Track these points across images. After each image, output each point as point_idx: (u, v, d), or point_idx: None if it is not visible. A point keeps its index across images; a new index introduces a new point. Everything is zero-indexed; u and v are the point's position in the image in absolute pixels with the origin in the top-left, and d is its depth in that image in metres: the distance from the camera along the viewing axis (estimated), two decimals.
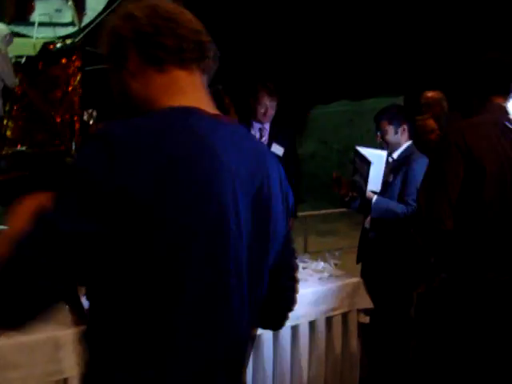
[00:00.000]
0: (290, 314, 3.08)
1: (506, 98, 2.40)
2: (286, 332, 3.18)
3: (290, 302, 1.44)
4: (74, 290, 1.90)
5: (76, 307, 2.47)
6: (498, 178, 2.27)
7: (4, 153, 7.09)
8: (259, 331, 2.95)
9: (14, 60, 6.72)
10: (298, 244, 7.07)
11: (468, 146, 2.26)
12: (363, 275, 3.76)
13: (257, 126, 4.09)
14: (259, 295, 1.22)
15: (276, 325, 1.52)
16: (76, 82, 7.37)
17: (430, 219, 2.27)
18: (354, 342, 3.45)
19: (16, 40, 6.61)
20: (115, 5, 7.50)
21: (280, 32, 9.62)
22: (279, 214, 1.24)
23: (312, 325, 3.33)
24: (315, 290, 3.33)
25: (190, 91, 1.18)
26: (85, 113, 7.56)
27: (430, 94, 4.86)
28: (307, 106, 10.29)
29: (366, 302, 3.47)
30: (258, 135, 4.08)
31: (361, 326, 3.52)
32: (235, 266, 1.10)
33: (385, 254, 3.70)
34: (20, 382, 2.45)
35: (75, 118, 7.48)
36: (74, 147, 7.49)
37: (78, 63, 7.33)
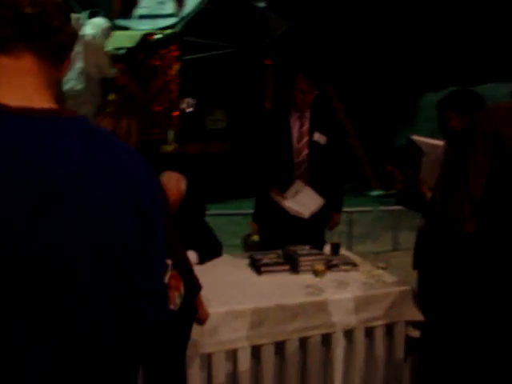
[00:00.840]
0: (321, 321, 2.88)
1: None
2: (315, 340, 2.96)
3: (152, 329, 1.25)
4: None
5: None
6: None
7: None
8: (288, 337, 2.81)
9: (113, 52, 7.00)
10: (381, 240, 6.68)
11: (497, 133, 1.90)
12: (420, 284, 3.39)
13: (296, 114, 3.83)
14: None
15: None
16: (175, 72, 7.53)
17: (444, 219, 1.97)
18: (399, 357, 3.13)
19: (116, 33, 6.89)
20: None
21: (386, 19, 9.12)
22: (118, 226, 1.06)
23: (349, 334, 3.06)
24: (355, 295, 3.05)
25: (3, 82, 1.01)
26: (183, 102, 7.71)
27: None
28: (417, 96, 9.66)
29: (415, 314, 3.12)
30: (297, 124, 3.84)
31: (410, 340, 3.18)
32: None
33: (446, 259, 3.30)
34: None
35: (173, 107, 7.66)
36: (172, 135, 7.68)
37: (176, 53, 7.49)
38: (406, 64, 9.35)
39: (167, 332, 2.28)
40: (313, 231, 3.89)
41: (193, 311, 2.54)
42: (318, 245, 3.70)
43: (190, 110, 7.77)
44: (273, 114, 4.11)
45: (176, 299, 2.32)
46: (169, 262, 2.29)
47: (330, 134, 3.85)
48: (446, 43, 9.12)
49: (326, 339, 3.01)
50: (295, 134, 3.84)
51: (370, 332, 3.10)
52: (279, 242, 3.67)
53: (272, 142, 3.84)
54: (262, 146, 3.92)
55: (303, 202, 3.77)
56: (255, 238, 5.54)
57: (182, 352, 2.55)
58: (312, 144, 3.83)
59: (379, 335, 3.09)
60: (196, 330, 2.67)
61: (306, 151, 3.83)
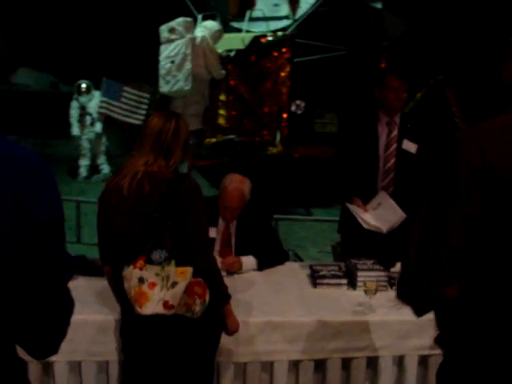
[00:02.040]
0: (366, 343, 2.72)
1: None
2: (360, 363, 2.79)
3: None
4: None
5: None
6: None
7: (216, 140, 7.66)
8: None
9: (224, 54, 7.17)
10: None
11: (488, 165, 1.41)
12: None
13: (385, 119, 3.59)
14: None
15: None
16: (285, 74, 7.55)
17: (419, 282, 1.49)
18: None
19: (227, 35, 7.05)
20: None
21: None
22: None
23: (400, 361, 2.85)
24: (408, 319, 2.82)
25: None
26: (292, 104, 7.69)
27: None
28: None
29: None
30: (386, 130, 3.59)
31: None
32: None
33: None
34: (65, 354, 2.64)
35: (283, 109, 7.68)
36: (279, 137, 7.70)
37: (287, 55, 7.50)
38: None
39: (192, 339, 2.29)
40: (395, 245, 3.66)
41: (220, 320, 2.51)
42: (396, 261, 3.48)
43: (300, 112, 7.73)
44: (362, 118, 3.93)
45: (196, 307, 2.31)
46: (189, 269, 2.30)
47: (424, 142, 3.59)
48: None
49: (373, 363, 2.83)
50: (383, 140, 3.61)
51: (424, 361, 2.86)
52: (359, 254, 3.50)
53: (358, 148, 3.66)
54: (348, 153, 3.75)
55: (383, 215, 3.55)
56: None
57: (209, 360, 2.54)
58: (400, 152, 3.59)
59: (434, 366, 2.84)
60: (231, 338, 2.65)
61: (393, 160, 3.60)
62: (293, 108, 7.68)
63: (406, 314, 2.80)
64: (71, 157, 10.12)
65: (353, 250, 3.63)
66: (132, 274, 2.26)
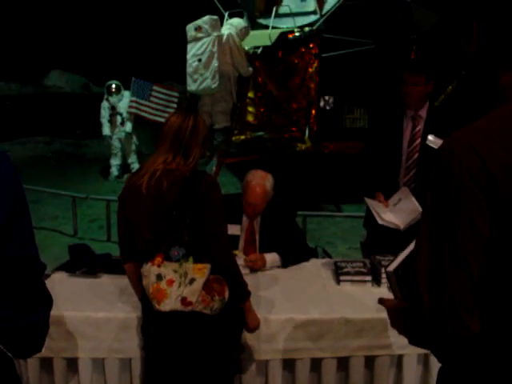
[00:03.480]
0: (390, 341, 2.67)
1: None
2: (384, 361, 2.74)
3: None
4: None
5: None
6: None
7: (244, 138, 7.65)
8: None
9: (251, 51, 7.15)
10: None
11: (491, 175, 1.25)
12: None
13: (410, 113, 3.51)
14: None
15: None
16: (313, 69, 7.49)
17: (440, 319, 1.28)
18: None
19: (254, 32, 7.03)
20: None
21: None
22: None
23: (425, 359, 2.79)
24: None
25: None
26: (321, 99, 7.63)
27: None
28: None
29: None
30: (410, 125, 3.51)
31: None
32: None
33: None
34: (89, 351, 2.68)
35: (312, 105, 7.62)
36: (308, 133, 7.65)
37: (315, 50, 7.44)
38: None
39: (212, 336, 2.28)
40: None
41: (241, 317, 2.50)
42: None
43: (329, 108, 7.66)
44: (388, 113, 3.85)
45: (215, 304, 2.31)
46: (207, 265, 2.29)
47: (449, 135, 3.45)
48: None
49: (397, 361, 2.78)
50: (407, 135, 3.54)
51: None
52: (383, 250, 3.44)
53: (384, 143, 3.60)
54: (374, 147, 3.69)
55: (402, 212, 3.48)
56: None
57: (231, 356, 2.53)
58: (424, 148, 3.49)
59: None
60: (253, 335, 2.64)
61: (416, 155, 3.52)
62: (322, 104, 7.62)
63: None
64: (103, 156, 10.28)
65: (377, 246, 3.58)
66: (150, 270, 2.26)
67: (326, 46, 7.49)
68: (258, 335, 2.65)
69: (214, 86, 6.47)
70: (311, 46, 7.41)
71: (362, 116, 8.00)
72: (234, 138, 7.37)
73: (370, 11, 7.50)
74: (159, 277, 2.25)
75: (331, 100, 7.64)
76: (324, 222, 7.10)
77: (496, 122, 1.33)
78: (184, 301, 2.23)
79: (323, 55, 7.49)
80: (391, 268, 1.62)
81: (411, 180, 3.50)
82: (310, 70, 7.49)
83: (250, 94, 7.55)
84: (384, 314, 2.74)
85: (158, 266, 2.26)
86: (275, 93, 7.45)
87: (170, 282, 2.24)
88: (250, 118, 7.66)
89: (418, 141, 3.48)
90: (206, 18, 6.52)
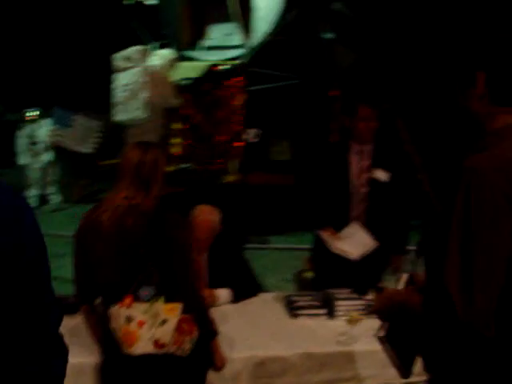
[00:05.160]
0: (351, 374, 2.69)
1: None
2: None
3: None
4: None
5: None
6: None
7: (170, 170, 7.55)
8: None
9: (179, 82, 7.13)
10: None
11: None
12: None
13: (356, 148, 3.59)
14: None
15: None
16: (239, 102, 7.57)
17: (470, 323, 1.41)
18: None
19: (182, 64, 7.03)
20: (281, 25, 7.58)
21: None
22: None
23: None
24: None
25: None
26: (247, 132, 7.71)
27: None
28: None
29: None
30: (357, 159, 3.59)
31: None
32: None
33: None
34: None
35: (238, 138, 7.68)
36: (234, 166, 7.68)
37: (242, 84, 7.53)
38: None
39: (180, 377, 2.19)
40: (369, 273, 3.66)
41: (208, 357, 2.43)
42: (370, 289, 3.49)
43: (255, 140, 7.75)
44: (332, 147, 3.90)
45: (186, 344, 2.23)
46: (179, 305, 2.22)
47: (396, 170, 3.57)
48: None
49: None
50: (354, 170, 3.57)
51: None
52: (333, 283, 3.46)
53: (329, 178, 3.61)
54: (319, 182, 3.71)
55: (354, 243, 3.55)
56: (308, 274, 5.38)
57: None
58: (372, 182, 3.57)
59: None
60: (217, 375, 2.56)
61: (365, 189, 3.59)
62: (247, 136, 7.69)
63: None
64: (18, 186, 9.76)
65: (327, 279, 3.62)
66: (119, 312, 2.15)
67: (252, 80, 7.61)
68: (223, 374, 2.58)
69: (142, 116, 6.38)
70: (238, 79, 7.50)
71: (286, 149, 8.18)
72: None
73: (295, 47, 7.74)
74: (129, 319, 2.14)
75: (257, 133, 7.74)
76: (253, 254, 7.10)
77: (507, 152, 1.49)
78: (157, 343, 2.14)
79: (249, 89, 7.60)
80: (382, 334, 1.70)
81: (362, 213, 3.58)
82: (237, 102, 7.57)
83: (177, 126, 7.50)
84: (344, 347, 2.79)
85: (128, 307, 2.16)
86: (202, 125, 7.45)
87: (141, 324, 2.14)
88: (176, 150, 7.60)
89: (366, 175, 3.56)
90: (135, 48, 6.46)
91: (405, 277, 1.77)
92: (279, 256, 7.05)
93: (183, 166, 7.49)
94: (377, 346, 2.79)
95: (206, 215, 3.41)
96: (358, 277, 3.51)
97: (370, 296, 3.41)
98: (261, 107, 7.71)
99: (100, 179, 8.44)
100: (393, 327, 1.70)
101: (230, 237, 3.62)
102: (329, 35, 7.96)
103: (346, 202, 3.56)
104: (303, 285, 5.23)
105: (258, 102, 7.68)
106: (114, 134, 7.47)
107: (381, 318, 1.73)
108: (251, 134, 7.70)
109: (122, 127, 7.00)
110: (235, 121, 7.62)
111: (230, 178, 7.56)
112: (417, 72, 8.53)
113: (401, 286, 1.75)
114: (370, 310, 1.78)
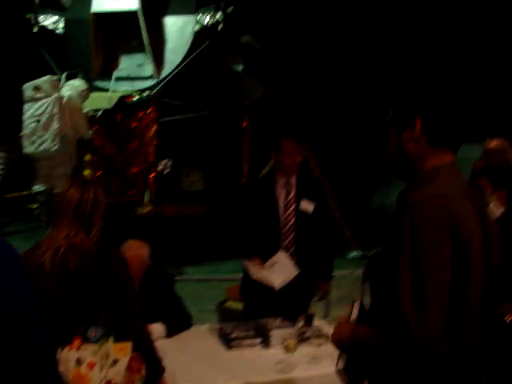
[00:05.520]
0: None
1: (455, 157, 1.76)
2: None
3: None
4: None
5: None
6: (478, 269, 1.64)
7: None
8: None
9: (91, 113, 7.01)
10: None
11: (455, 226, 1.58)
12: None
13: (282, 180, 3.73)
14: None
15: None
16: (152, 133, 7.56)
17: (423, 337, 1.54)
18: None
19: (94, 94, 6.92)
20: (191, 57, 7.70)
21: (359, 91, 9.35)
22: None
23: None
24: (327, 372, 2.91)
25: None
26: (159, 163, 7.69)
27: (492, 142, 4.24)
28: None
29: None
30: (283, 192, 3.73)
31: None
32: None
33: None
34: None
35: (150, 169, 7.64)
36: (147, 197, 7.62)
37: (153, 115, 7.53)
38: (383, 122, 9.49)
39: None
40: (297, 302, 3.76)
41: None
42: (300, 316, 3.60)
43: (167, 171, 7.75)
44: (260, 180, 4.00)
45: (136, 383, 2.21)
46: (129, 344, 2.20)
47: (318, 200, 3.73)
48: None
49: None
50: (282, 203, 3.68)
51: None
52: (262, 313, 3.53)
53: (258, 212, 3.69)
54: (248, 216, 3.75)
55: (276, 272, 3.65)
56: (230, 304, 5.42)
57: None
58: (299, 212, 3.69)
59: None
60: None
61: (292, 220, 3.69)
62: (160, 167, 7.68)
63: (324, 367, 2.94)
64: None
65: (256, 309, 3.69)
66: (68, 356, 2.10)
67: (164, 111, 7.64)
68: None
69: (53, 148, 6.18)
70: (150, 110, 7.51)
71: (198, 179, 8.23)
72: None
73: (206, 79, 7.86)
74: (79, 361, 2.09)
75: (169, 163, 7.75)
76: None
77: (442, 188, 1.66)
78: None
79: (161, 119, 7.62)
80: (341, 366, 1.80)
81: (291, 243, 3.69)
82: (149, 133, 7.55)
83: (87, 157, 7.34)
84: (284, 375, 2.87)
85: (77, 349, 2.11)
86: (114, 156, 7.35)
87: (91, 366, 2.10)
88: None
89: (293, 207, 3.69)
90: (46, 77, 6.28)
91: (357, 304, 1.88)
92: (196, 287, 7.02)
93: None
94: (314, 372, 2.92)
95: (136, 250, 3.39)
96: (286, 305, 3.61)
97: (301, 323, 3.53)
98: (173, 138, 7.74)
99: (6, 213, 8.04)
100: (350, 359, 1.79)
101: (159, 270, 3.61)
102: (239, 67, 8.17)
103: (276, 233, 3.67)
104: (225, 315, 5.27)
105: (169, 133, 7.71)
106: (22, 166, 7.18)
107: (340, 349, 1.82)
108: (163, 165, 7.69)
109: (31, 159, 6.74)
110: (147, 152, 7.59)
111: (144, 210, 7.48)
112: (325, 105, 8.96)
113: (354, 314, 1.85)
114: (331, 341, 1.85)
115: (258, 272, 3.64)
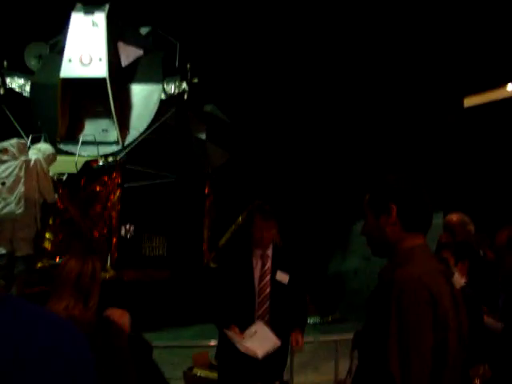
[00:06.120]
0: None
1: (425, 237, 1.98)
2: None
3: None
4: None
5: None
6: (455, 337, 1.83)
7: (41, 265, 7.20)
8: None
9: (56, 177, 6.99)
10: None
11: (434, 300, 1.78)
12: None
13: (258, 252, 3.87)
14: None
15: None
16: (115, 198, 7.57)
17: None
18: None
19: (60, 158, 6.92)
20: (156, 125, 7.88)
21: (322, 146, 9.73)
22: None
23: None
24: None
25: None
26: (122, 228, 7.67)
27: (454, 216, 4.52)
28: (350, 221, 10.11)
29: None
30: (259, 263, 3.85)
31: None
32: None
33: None
34: None
35: (112, 233, 7.60)
36: (109, 261, 7.53)
37: (118, 180, 7.57)
38: (339, 191, 9.82)
39: None
40: (273, 368, 3.78)
41: None
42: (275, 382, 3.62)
43: (129, 236, 7.73)
44: (237, 251, 4.09)
45: None
46: None
47: (292, 271, 3.82)
48: (375, 171, 9.72)
49: None
50: (257, 273, 3.78)
51: None
52: (239, 380, 3.53)
53: (234, 282, 3.76)
54: (224, 284, 3.81)
55: (259, 342, 3.69)
56: (196, 371, 5.36)
57: None
58: (274, 283, 3.78)
59: None
60: None
61: (268, 290, 3.77)
62: (123, 232, 7.66)
63: None
64: None
65: (233, 376, 3.70)
66: None
67: (128, 177, 7.71)
68: None
69: (18, 211, 6.08)
70: (114, 175, 7.54)
71: (160, 244, 8.23)
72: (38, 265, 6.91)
73: (170, 146, 8.03)
74: None
75: (132, 228, 7.74)
76: None
77: (421, 266, 1.86)
78: None
79: (125, 185, 7.67)
80: None
81: (265, 312, 3.75)
82: (112, 198, 7.56)
83: (49, 221, 7.25)
84: None
85: None
86: (77, 220, 7.29)
87: None
88: (47, 245, 7.30)
89: (268, 277, 3.77)
90: (14, 140, 6.25)
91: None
92: (158, 353, 6.87)
93: (55, 262, 7.19)
94: None
95: (118, 318, 3.38)
96: (263, 372, 3.64)
97: None
98: (136, 204, 7.78)
99: None
100: None
101: (138, 338, 3.59)
102: (202, 135, 8.39)
103: (251, 303, 3.73)
104: (193, 382, 5.21)
105: (133, 199, 7.75)
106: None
107: None
108: (126, 230, 7.68)
109: None
110: (111, 216, 7.57)
111: (107, 275, 7.38)
112: (288, 171, 9.24)
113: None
114: None
115: (242, 343, 3.67)
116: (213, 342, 7.48)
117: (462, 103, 8.49)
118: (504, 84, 8.32)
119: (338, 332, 7.24)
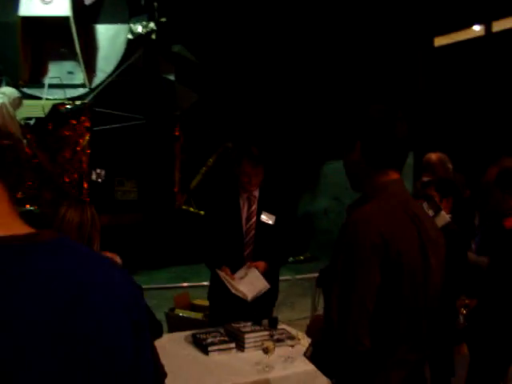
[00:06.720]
0: None
1: (400, 173, 1.95)
2: None
3: None
4: None
5: None
6: (413, 274, 1.82)
7: None
8: None
9: (23, 122, 6.80)
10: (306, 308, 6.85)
11: (385, 241, 1.75)
12: None
13: (244, 194, 3.91)
14: None
15: None
16: (85, 142, 7.44)
17: (344, 339, 1.76)
18: None
19: (26, 102, 6.71)
20: (124, 66, 7.67)
21: (291, 88, 9.68)
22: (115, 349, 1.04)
23: None
24: (303, 370, 3.10)
25: None
26: (93, 172, 7.58)
27: (433, 155, 4.62)
28: (319, 162, 10.21)
29: None
30: (246, 204, 3.89)
31: None
32: None
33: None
34: None
35: (83, 178, 7.50)
36: None
37: (86, 123, 7.42)
38: (310, 132, 9.87)
39: None
40: (262, 306, 3.90)
41: None
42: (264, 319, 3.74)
43: (100, 180, 7.65)
44: (223, 194, 4.11)
45: None
46: None
47: (279, 213, 3.89)
48: (345, 110, 9.77)
49: None
50: (244, 214, 3.85)
51: None
52: (230, 318, 3.63)
53: (222, 223, 3.83)
54: (212, 226, 3.89)
55: (249, 284, 3.79)
56: (178, 312, 5.48)
57: None
58: (259, 224, 3.85)
59: None
60: None
61: (253, 232, 3.85)
62: (93, 176, 7.57)
63: (299, 365, 3.11)
64: None
65: (223, 315, 3.81)
66: None
67: (98, 120, 7.55)
68: None
69: None
70: (82, 119, 7.38)
71: (132, 188, 8.18)
72: None
73: (139, 88, 7.85)
74: None
75: (103, 173, 7.65)
76: None
77: (380, 206, 1.86)
78: None
79: (94, 128, 7.52)
80: (308, 354, 2.04)
81: (251, 254, 3.84)
82: (82, 142, 7.43)
83: None
84: (266, 375, 3.01)
85: None
86: (46, 165, 7.15)
87: None
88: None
89: (254, 219, 3.85)
90: None
91: None
92: None
93: (26, 208, 7.09)
94: (291, 371, 3.09)
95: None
96: (252, 310, 3.76)
97: (266, 325, 3.69)
98: (107, 147, 7.66)
99: None
100: (316, 348, 2.00)
101: None
102: (171, 76, 8.22)
103: (240, 244, 3.81)
104: (174, 323, 5.33)
105: (103, 142, 7.62)
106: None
107: (312, 339, 2.05)
108: (97, 174, 7.59)
109: None
110: (81, 161, 7.46)
111: None
112: (257, 112, 9.18)
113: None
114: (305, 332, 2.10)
115: (233, 285, 3.76)
116: (186, 284, 7.66)
117: (433, 43, 8.52)
118: (470, 25, 8.38)
119: (311, 271, 7.46)
